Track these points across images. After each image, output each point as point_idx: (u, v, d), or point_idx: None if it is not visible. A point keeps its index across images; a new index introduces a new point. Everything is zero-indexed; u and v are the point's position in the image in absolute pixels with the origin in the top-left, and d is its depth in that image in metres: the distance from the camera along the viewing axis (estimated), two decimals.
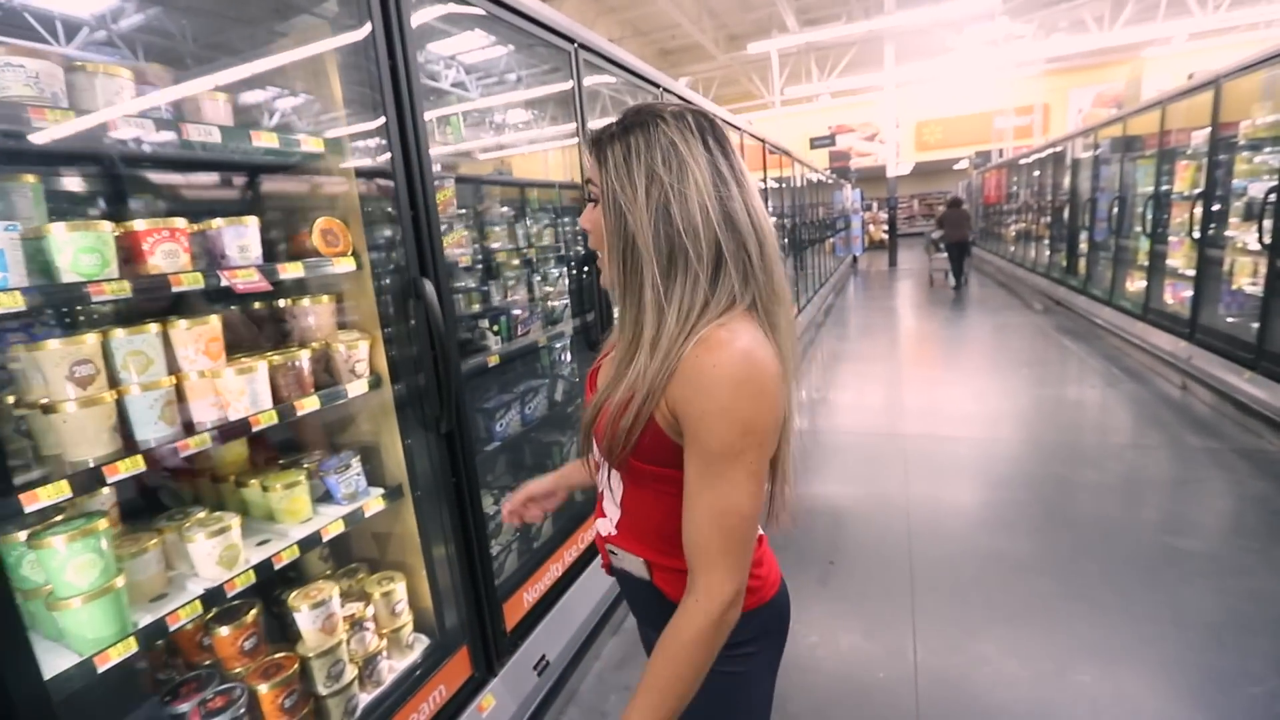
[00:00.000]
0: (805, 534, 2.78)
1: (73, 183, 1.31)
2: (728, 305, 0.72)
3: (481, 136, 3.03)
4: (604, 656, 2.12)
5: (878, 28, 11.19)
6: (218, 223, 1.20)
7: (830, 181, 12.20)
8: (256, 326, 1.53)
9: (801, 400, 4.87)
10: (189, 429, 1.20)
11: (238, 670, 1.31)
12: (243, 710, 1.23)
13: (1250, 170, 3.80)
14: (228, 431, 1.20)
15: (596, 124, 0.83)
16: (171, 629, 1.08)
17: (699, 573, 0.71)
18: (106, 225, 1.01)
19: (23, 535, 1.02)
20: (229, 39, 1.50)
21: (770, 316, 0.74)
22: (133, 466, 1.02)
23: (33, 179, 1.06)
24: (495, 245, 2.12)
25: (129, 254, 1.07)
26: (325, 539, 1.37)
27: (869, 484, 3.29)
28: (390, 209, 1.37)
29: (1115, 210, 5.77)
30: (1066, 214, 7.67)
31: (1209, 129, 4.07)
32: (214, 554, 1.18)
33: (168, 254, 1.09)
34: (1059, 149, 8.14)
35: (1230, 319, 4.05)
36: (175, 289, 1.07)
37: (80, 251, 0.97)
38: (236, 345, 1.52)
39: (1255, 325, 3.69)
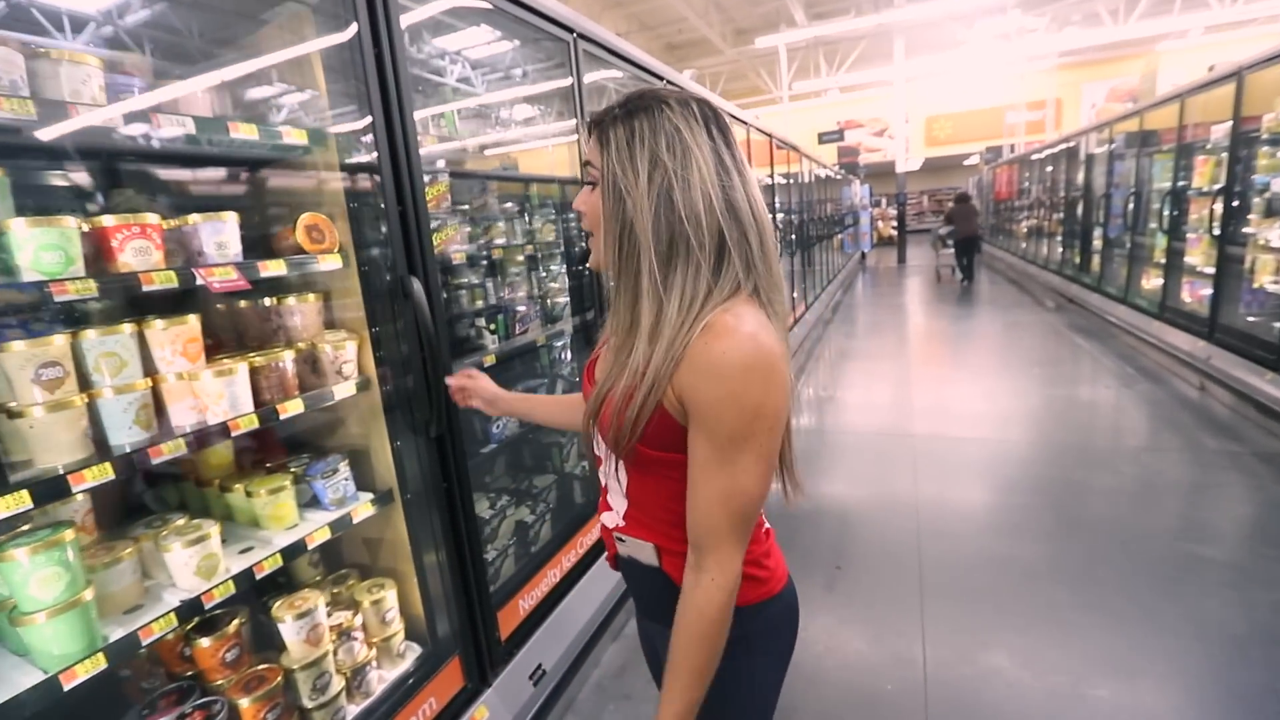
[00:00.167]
0: (812, 536, 2.72)
1: (52, 177, 1.27)
2: (731, 293, 0.72)
3: (488, 132, 2.97)
4: (603, 664, 2.06)
5: (887, 21, 11.03)
6: (194, 218, 1.14)
7: (839, 177, 12.07)
8: (242, 325, 1.49)
9: (809, 398, 4.80)
10: (167, 433, 1.15)
11: (219, 682, 1.27)
12: None
13: (1273, 165, 3.68)
14: (206, 436, 1.15)
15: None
16: (145, 643, 1.03)
17: (708, 550, 0.73)
18: (71, 221, 0.96)
19: None
20: (235, 34, 1.44)
21: (772, 304, 0.75)
22: (100, 475, 0.97)
23: None
24: (493, 242, 2.06)
25: (97, 251, 1.02)
26: (310, 547, 1.32)
27: (878, 485, 3.21)
28: (379, 204, 1.31)
29: (1131, 206, 5.64)
30: (1080, 210, 7.53)
31: (1230, 122, 3.95)
32: (191, 564, 1.14)
33: (138, 251, 1.04)
34: (1073, 144, 7.99)
35: (1251, 318, 3.93)
36: (146, 288, 1.02)
37: (42, 249, 0.92)
38: (222, 345, 1.48)
39: (1277, 325, 3.58)
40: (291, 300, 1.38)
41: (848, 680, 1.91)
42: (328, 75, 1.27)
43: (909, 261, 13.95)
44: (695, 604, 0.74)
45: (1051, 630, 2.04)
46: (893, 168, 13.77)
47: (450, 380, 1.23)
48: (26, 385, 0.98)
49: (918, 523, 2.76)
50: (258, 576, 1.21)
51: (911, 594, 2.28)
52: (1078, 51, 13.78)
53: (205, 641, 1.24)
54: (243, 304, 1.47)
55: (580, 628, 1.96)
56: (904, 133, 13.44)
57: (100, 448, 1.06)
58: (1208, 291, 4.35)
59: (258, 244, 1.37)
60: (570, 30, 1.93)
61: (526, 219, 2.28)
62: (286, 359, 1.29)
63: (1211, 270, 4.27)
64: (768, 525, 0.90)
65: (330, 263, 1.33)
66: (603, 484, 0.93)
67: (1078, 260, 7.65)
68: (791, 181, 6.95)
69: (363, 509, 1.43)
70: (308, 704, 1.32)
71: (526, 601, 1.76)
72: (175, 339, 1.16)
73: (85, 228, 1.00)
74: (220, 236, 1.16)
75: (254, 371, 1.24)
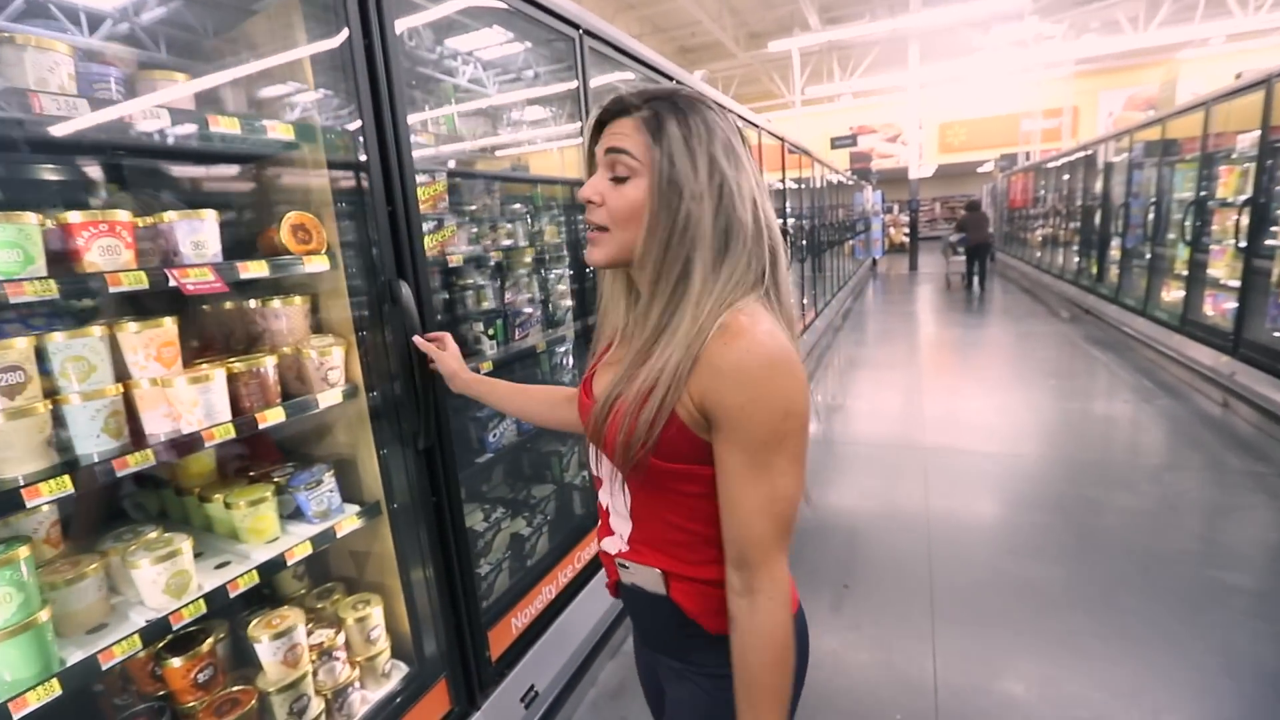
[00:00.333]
0: (819, 552, 2.63)
1: (21, 171, 1.21)
2: (744, 294, 0.72)
3: (498, 133, 2.91)
4: (600, 682, 1.99)
5: (902, 26, 10.93)
6: (170, 216, 1.08)
7: (851, 183, 11.96)
8: (228, 328, 1.43)
9: (818, 407, 4.70)
10: (138, 442, 1.09)
11: (190, 704, 1.20)
12: None
13: None
14: (178, 447, 1.08)
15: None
16: (105, 667, 0.97)
17: (757, 566, 0.69)
18: (31, 217, 0.90)
19: None
20: (251, 32, 1.39)
21: (782, 307, 0.74)
22: (58, 488, 0.90)
23: None
24: (494, 244, 2.00)
25: (62, 250, 0.96)
26: (290, 563, 1.25)
27: (887, 500, 3.12)
28: (368, 203, 1.24)
29: (1151, 216, 5.50)
30: (1098, 219, 7.38)
31: (1259, 131, 3.83)
32: (160, 581, 1.07)
33: (106, 250, 0.98)
34: (1091, 152, 7.85)
35: (1278, 333, 3.80)
36: (114, 289, 0.96)
37: None
38: (209, 348, 1.42)
39: None
40: (277, 303, 1.32)
41: (854, 709, 1.82)
42: (315, 66, 1.20)
43: (920, 269, 13.79)
44: (759, 629, 0.69)
45: (1071, 659, 1.94)
46: (905, 174, 13.64)
47: (418, 340, 1.23)
48: None
49: (929, 540, 2.66)
50: (232, 595, 1.14)
51: (923, 616, 2.19)
52: (1095, 59, 13.59)
53: (176, 661, 1.17)
54: (228, 306, 1.41)
55: (577, 645, 1.88)
56: (917, 139, 13.31)
57: (65, 457, 1.00)
58: (1232, 305, 4.22)
59: (242, 244, 1.31)
60: (576, 26, 1.86)
61: (529, 221, 2.22)
62: (268, 365, 1.23)
63: (1236, 283, 4.14)
64: None
65: (317, 264, 1.27)
66: (603, 507, 0.88)
67: (1095, 270, 7.50)
68: (803, 186, 6.86)
69: (347, 523, 1.36)
70: None
71: (520, 619, 1.68)
72: (149, 343, 1.10)
73: (49, 225, 0.94)
74: (197, 235, 1.10)
75: (233, 378, 1.18)
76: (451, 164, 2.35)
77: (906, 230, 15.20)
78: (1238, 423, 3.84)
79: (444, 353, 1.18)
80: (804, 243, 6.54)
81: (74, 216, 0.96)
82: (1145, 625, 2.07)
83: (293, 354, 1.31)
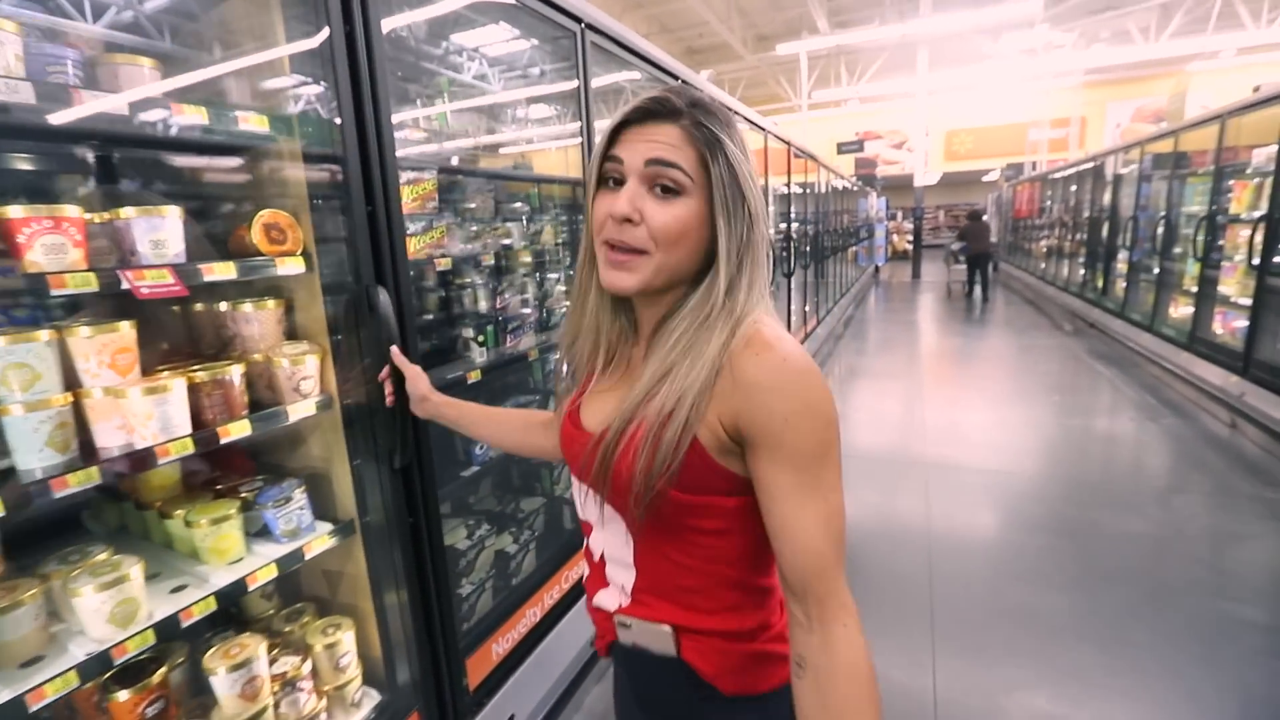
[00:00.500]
0: None
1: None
2: (757, 304, 0.69)
3: (502, 130, 2.83)
4: (585, 707, 1.90)
5: (912, 32, 10.83)
6: (127, 212, 0.99)
7: (855, 188, 11.88)
8: (197, 333, 1.34)
9: None
10: (88, 456, 1.00)
11: None
12: None
13: None
14: (130, 463, 0.99)
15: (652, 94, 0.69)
16: (34, 708, 0.88)
17: (827, 595, 0.62)
18: None
19: None
20: (257, 25, 1.30)
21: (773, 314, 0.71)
22: None
23: None
24: (486, 246, 1.91)
25: (3, 248, 0.87)
26: (252, 587, 1.16)
27: (888, 518, 3.03)
28: (346, 203, 1.16)
29: (1161, 230, 5.42)
30: (1105, 232, 7.29)
31: (1276, 146, 3.75)
32: (104, 610, 0.98)
33: (50, 249, 0.89)
34: (1099, 163, 7.76)
35: None
36: (57, 292, 0.87)
37: None
38: (177, 353, 1.34)
39: None
40: (248, 307, 1.23)
41: None
42: (290, 43, 1.11)
43: (923, 277, 13.71)
44: (841, 664, 0.61)
45: (1080, 695, 1.86)
46: (910, 181, 13.55)
47: (395, 353, 1.14)
48: None
49: (930, 562, 2.58)
50: (185, 624, 1.05)
51: (923, 645, 2.10)
52: (1104, 69, 13.51)
53: (123, 695, 1.08)
54: (199, 308, 1.32)
55: (561, 670, 1.80)
56: (923, 146, 13.22)
57: (3, 472, 0.92)
58: (1242, 324, 4.13)
59: (214, 243, 1.22)
60: (578, 20, 1.78)
61: (525, 221, 2.13)
62: (234, 374, 1.14)
63: (1247, 301, 4.05)
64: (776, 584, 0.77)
65: (291, 266, 1.18)
66: (595, 557, 0.79)
67: (1100, 284, 7.42)
68: (808, 191, 6.78)
69: (318, 542, 1.27)
70: None
71: (502, 645, 1.60)
72: (103, 349, 1.01)
73: None
74: (157, 234, 1.01)
75: (195, 388, 1.09)
76: (455, 160, 2.27)
77: (910, 238, 15.11)
78: (1246, 445, 3.76)
79: (415, 374, 1.08)
80: (807, 249, 6.46)
81: (14, 211, 0.87)
82: (1156, 660, 1.99)
83: (263, 362, 1.22)
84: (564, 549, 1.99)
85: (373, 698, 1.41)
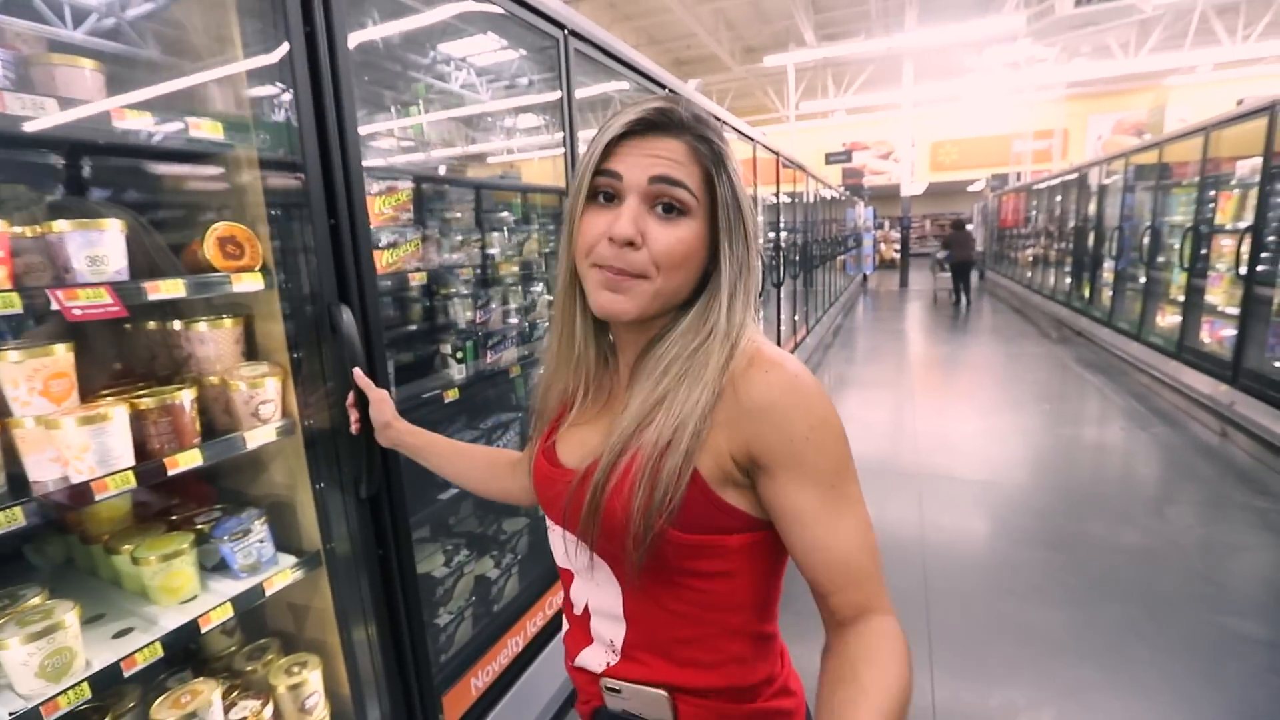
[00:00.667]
0: (803, 591, 2.47)
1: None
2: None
3: (485, 140, 2.77)
4: None
5: (898, 45, 10.95)
6: (60, 226, 0.91)
7: (843, 198, 11.94)
8: (151, 353, 1.26)
9: None
10: (17, 491, 0.92)
11: None
12: None
13: None
14: (63, 501, 0.91)
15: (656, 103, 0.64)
16: None
17: (874, 599, 0.59)
18: None
19: None
20: (264, 28, 1.23)
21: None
22: None
23: None
24: (464, 258, 1.84)
25: None
26: (205, 629, 1.07)
27: (880, 532, 2.94)
28: (306, 216, 1.08)
29: (1147, 240, 5.45)
30: (1091, 241, 7.36)
31: (1260, 158, 3.77)
32: (33, 663, 0.89)
33: None
34: (1084, 174, 7.85)
35: (1279, 363, 3.72)
36: None
37: None
38: (130, 374, 1.25)
39: None
40: (203, 326, 1.15)
41: None
42: (247, 50, 1.04)
43: (911, 285, 13.78)
44: (890, 653, 0.56)
45: (1082, 716, 1.80)
46: (897, 191, 13.67)
47: (358, 375, 1.05)
48: None
49: (925, 578, 2.52)
50: (127, 674, 0.96)
51: (920, 667, 2.04)
52: (1086, 83, 13.74)
53: None
54: (151, 326, 1.24)
55: (545, 702, 1.71)
56: (910, 156, 13.35)
57: None
58: (1230, 332, 4.15)
59: (157, 256, 1.14)
60: (561, 26, 1.72)
61: (506, 233, 2.06)
62: (184, 399, 1.06)
63: (1235, 310, 4.07)
64: (782, 641, 0.73)
65: (249, 283, 1.10)
66: (578, 609, 0.71)
67: (1087, 293, 7.47)
68: (796, 201, 6.78)
69: (280, 577, 1.19)
70: None
71: (481, 679, 1.51)
72: (34, 374, 0.93)
73: None
74: (95, 249, 0.93)
75: (139, 415, 1.01)
76: (442, 170, 2.20)
77: (897, 247, 15.22)
78: (1236, 453, 3.75)
79: (380, 398, 1.01)
80: (796, 258, 6.44)
81: None
82: (1158, 678, 1.94)
83: (219, 385, 1.14)
84: (548, 573, 1.91)
85: None
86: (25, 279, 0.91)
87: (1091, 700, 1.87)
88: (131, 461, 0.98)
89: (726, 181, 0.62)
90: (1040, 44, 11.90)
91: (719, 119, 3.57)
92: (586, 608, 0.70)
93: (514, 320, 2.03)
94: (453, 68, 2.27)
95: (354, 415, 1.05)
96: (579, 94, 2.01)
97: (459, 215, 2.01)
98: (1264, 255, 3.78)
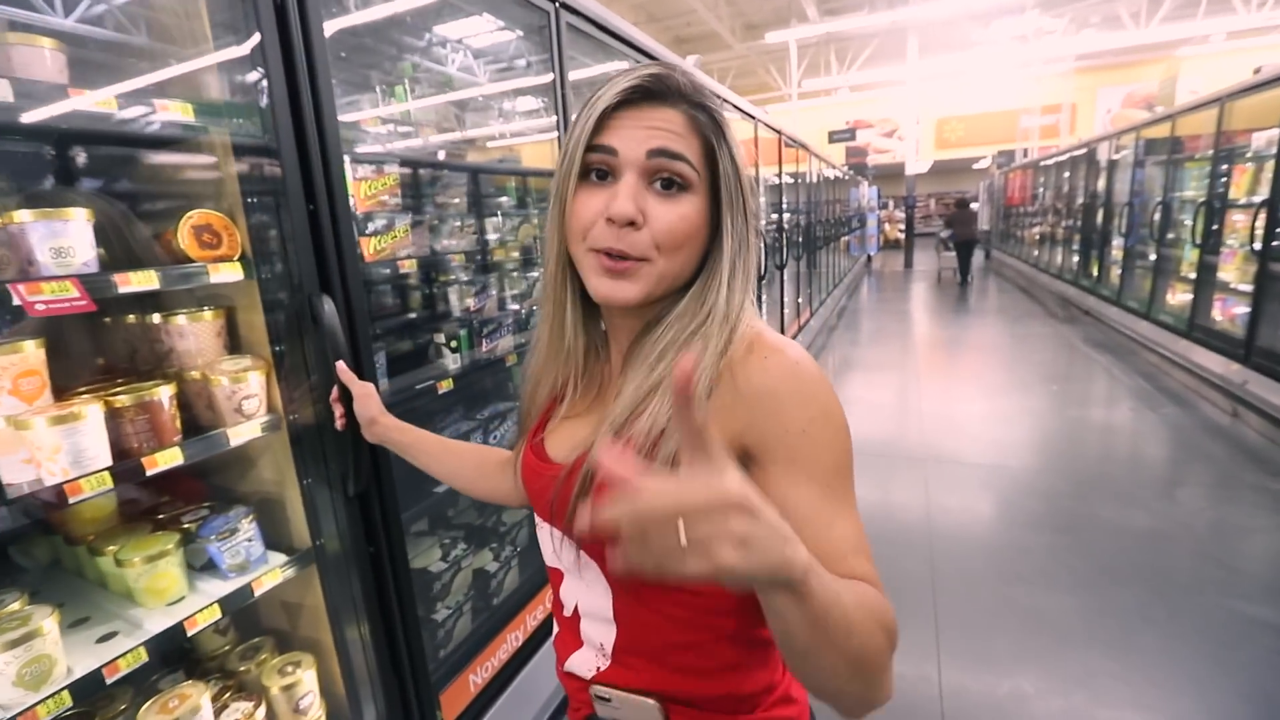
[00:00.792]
0: None
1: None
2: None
3: (483, 124, 2.69)
4: None
5: (902, 19, 10.69)
6: (22, 216, 0.86)
7: (846, 178, 11.77)
8: (132, 347, 1.21)
9: None
10: None
11: None
12: None
13: None
14: (32, 505, 0.87)
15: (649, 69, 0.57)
16: None
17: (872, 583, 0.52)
18: None
19: None
20: (234, 18, 1.17)
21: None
22: None
23: None
24: (457, 244, 1.78)
25: None
26: (192, 632, 1.04)
27: (887, 519, 2.93)
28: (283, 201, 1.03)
29: (1157, 216, 5.34)
30: (1100, 218, 7.22)
31: (1278, 129, 3.66)
32: (10, 671, 0.86)
33: None
34: (1093, 149, 7.68)
35: None
36: None
37: None
38: (112, 370, 1.21)
39: None
40: (182, 319, 1.11)
41: None
42: (216, 27, 0.98)
43: (916, 265, 13.65)
44: (872, 597, 0.49)
45: (1092, 707, 1.77)
46: (901, 169, 13.46)
47: (341, 369, 0.99)
48: None
49: (932, 565, 2.49)
50: (110, 680, 0.94)
51: (928, 654, 2.01)
52: (1095, 55, 13.42)
53: None
54: (130, 320, 1.20)
55: (546, 697, 1.69)
56: (914, 134, 13.12)
57: None
58: (1243, 310, 4.06)
59: (140, 248, 1.09)
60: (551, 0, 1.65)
61: (500, 217, 2.00)
62: (163, 396, 1.02)
63: (1248, 288, 3.98)
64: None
65: (228, 273, 1.05)
66: (567, 611, 0.68)
67: (1095, 271, 7.35)
68: (799, 181, 6.66)
69: (269, 577, 1.16)
70: None
71: (480, 675, 1.49)
72: (1, 373, 0.89)
73: None
74: (59, 240, 0.88)
75: (115, 413, 0.97)
76: (442, 154, 2.13)
77: (902, 226, 15.05)
78: (1248, 433, 3.69)
79: (365, 393, 0.97)
80: (799, 239, 6.35)
81: None
82: (1169, 664, 1.91)
83: (200, 380, 1.10)
84: (544, 575, 1.88)
85: None
86: None
87: (1101, 687, 1.84)
88: (108, 462, 0.94)
89: (727, 152, 0.58)
90: (1048, 15, 11.66)
91: (720, 98, 3.48)
92: (576, 609, 0.67)
93: (511, 307, 1.98)
94: (450, 49, 2.20)
95: (339, 411, 1.01)
96: (576, 75, 1.93)
97: (454, 200, 1.96)
98: (1279, 230, 3.68)
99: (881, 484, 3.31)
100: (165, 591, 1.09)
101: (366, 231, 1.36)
